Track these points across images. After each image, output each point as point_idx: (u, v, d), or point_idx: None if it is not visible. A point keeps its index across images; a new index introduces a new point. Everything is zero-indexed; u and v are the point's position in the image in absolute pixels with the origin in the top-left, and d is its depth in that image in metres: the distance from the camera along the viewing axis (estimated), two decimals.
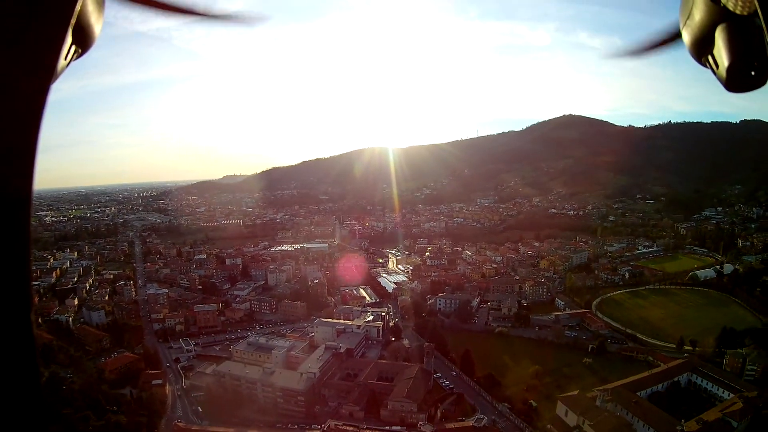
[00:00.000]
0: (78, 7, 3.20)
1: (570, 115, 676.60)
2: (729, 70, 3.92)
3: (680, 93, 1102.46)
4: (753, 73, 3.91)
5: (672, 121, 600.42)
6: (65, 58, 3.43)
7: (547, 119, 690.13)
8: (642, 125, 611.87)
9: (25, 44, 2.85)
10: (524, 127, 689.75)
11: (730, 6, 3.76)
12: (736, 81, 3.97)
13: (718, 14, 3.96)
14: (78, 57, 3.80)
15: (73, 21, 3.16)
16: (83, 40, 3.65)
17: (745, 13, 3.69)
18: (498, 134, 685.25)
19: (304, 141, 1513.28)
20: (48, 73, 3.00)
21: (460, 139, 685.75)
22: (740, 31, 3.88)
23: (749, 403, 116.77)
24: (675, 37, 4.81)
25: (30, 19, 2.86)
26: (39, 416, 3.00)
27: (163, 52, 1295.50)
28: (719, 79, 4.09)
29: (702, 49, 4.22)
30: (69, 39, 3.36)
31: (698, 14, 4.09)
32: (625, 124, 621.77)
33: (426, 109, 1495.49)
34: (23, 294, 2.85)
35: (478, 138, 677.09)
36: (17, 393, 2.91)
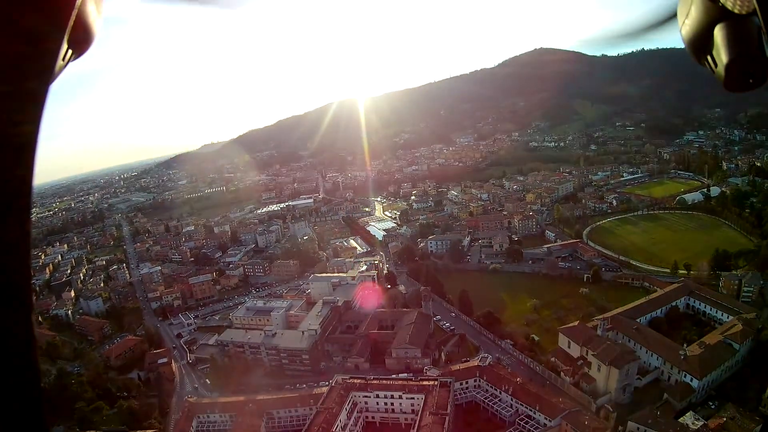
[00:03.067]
0: (76, 8, 3.21)
1: (542, 48, 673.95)
2: (728, 69, 3.89)
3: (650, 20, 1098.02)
4: (752, 72, 3.90)
5: (645, 48, 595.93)
6: (63, 59, 3.42)
7: (518, 54, 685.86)
8: (615, 54, 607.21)
9: (23, 45, 2.87)
10: (497, 64, 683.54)
11: (729, 5, 3.76)
12: (735, 80, 3.93)
13: (716, 13, 3.95)
14: (76, 57, 3.82)
15: (71, 21, 3.17)
16: (81, 41, 3.66)
17: (744, 13, 3.72)
18: (471, 72, 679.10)
19: (278, 100, 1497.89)
20: (46, 74, 3.01)
21: (433, 81, 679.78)
22: (739, 30, 3.88)
23: (749, 325, 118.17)
24: (670, 18, 4.84)
25: (28, 20, 2.87)
26: (39, 417, 3.03)
27: (128, 31, 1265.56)
28: (718, 78, 4.05)
29: (700, 48, 4.22)
30: (67, 40, 3.33)
31: (697, 13, 4.11)
32: (599, 54, 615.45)
33: (398, 53, 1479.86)
34: (23, 294, 2.87)
35: (451, 78, 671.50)
36: (17, 394, 2.94)
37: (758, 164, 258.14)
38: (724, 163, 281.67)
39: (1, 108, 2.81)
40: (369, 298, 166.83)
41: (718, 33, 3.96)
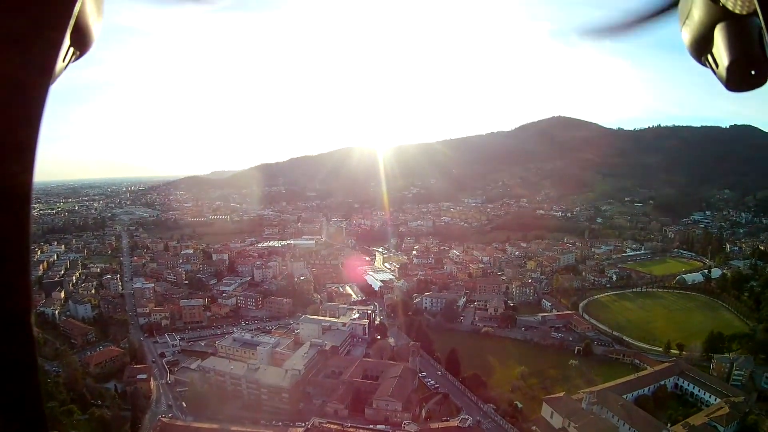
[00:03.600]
0: (77, 9, 3.17)
1: (560, 117, 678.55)
2: (729, 69, 3.84)
3: (671, 97, 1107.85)
4: (753, 72, 3.84)
5: (662, 125, 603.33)
6: (64, 60, 3.37)
7: (537, 120, 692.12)
8: (632, 128, 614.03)
9: (24, 45, 2.84)
10: (514, 128, 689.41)
11: (729, 5, 3.74)
12: (736, 80, 3.88)
13: (717, 13, 3.91)
14: (77, 58, 3.81)
15: (72, 22, 3.13)
16: (82, 42, 3.65)
17: (744, 13, 3.69)
18: (487, 134, 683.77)
19: (294, 137, 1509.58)
20: (47, 75, 2.97)
21: (449, 138, 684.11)
22: (740, 30, 3.83)
23: (736, 408, 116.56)
24: (666, 8, 4.67)
25: (29, 21, 2.86)
26: (39, 417, 3.02)
27: (151, 46, 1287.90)
28: (719, 78, 4.03)
29: (701, 49, 4.18)
30: (68, 40, 3.32)
31: (697, 13, 4.07)
32: (615, 127, 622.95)
33: (416, 107, 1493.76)
34: (23, 294, 2.84)
35: (468, 137, 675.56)
36: (17, 393, 2.92)
37: (762, 248, 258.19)
38: (727, 245, 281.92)
39: (1, 108, 2.76)
40: (357, 346, 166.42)
41: (719, 33, 3.92)
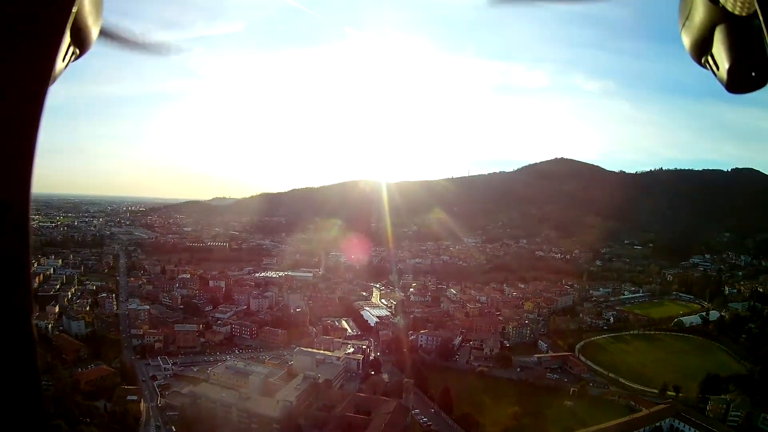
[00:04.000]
0: (76, 9, 3.16)
1: (562, 158, 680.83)
2: (729, 71, 3.88)
3: (671, 140, 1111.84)
4: (753, 73, 3.85)
5: (663, 168, 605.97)
6: (63, 60, 3.40)
7: (539, 161, 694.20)
8: (633, 171, 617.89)
9: (23, 46, 2.81)
10: (516, 168, 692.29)
11: (729, 7, 3.72)
12: (737, 82, 3.91)
13: (717, 15, 3.92)
14: (76, 59, 3.80)
15: (70, 22, 3.10)
16: (81, 42, 3.65)
17: (744, 14, 3.66)
18: (489, 174, 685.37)
19: (296, 169, 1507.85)
20: (46, 75, 2.94)
21: (451, 177, 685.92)
22: (740, 31, 3.84)
23: None
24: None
25: (28, 21, 2.82)
26: (39, 418, 2.97)
27: (161, 67, 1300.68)
28: (719, 80, 4.07)
29: (701, 50, 4.20)
30: (67, 40, 3.34)
31: (697, 15, 4.07)
32: (617, 169, 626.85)
33: (419, 144, 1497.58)
34: (23, 296, 2.83)
35: (470, 177, 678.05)
36: (17, 394, 2.87)
37: (760, 289, 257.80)
38: (726, 288, 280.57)
39: (0, 108, 2.74)
40: (351, 380, 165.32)
41: (719, 34, 3.93)
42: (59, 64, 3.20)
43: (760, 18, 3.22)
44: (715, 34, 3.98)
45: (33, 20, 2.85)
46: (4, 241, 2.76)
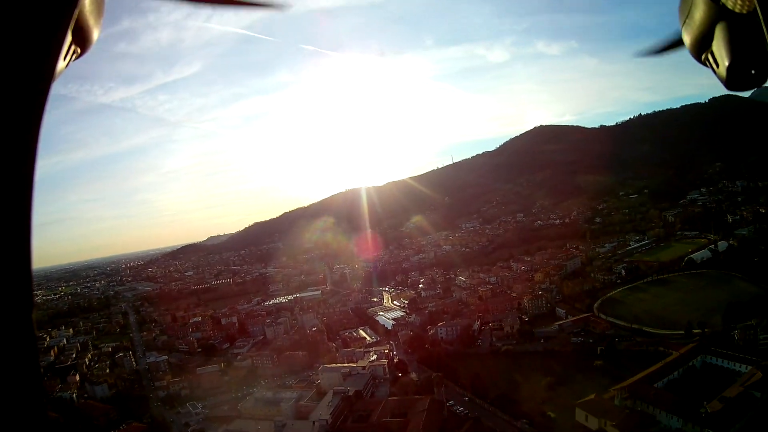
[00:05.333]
0: (78, 8, 3.08)
1: (541, 126, 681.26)
2: (729, 68, 3.92)
3: (644, 84, 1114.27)
4: (753, 71, 3.90)
5: (642, 113, 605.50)
6: (65, 59, 3.41)
7: (518, 134, 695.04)
8: (613, 123, 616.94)
9: (25, 45, 2.79)
10: (497, 146, 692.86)
11: (729, 4, 3.71)
12: (737, 79, 3.96)
13: (717, 12, 3.93)
14: (77, 58, 3.82)
15: (72, 22, 3.04)
16: (83, 41, 3.66)
17: (744, 12, 3.64)
18: (473, 157, 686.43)
19: (283, 191, 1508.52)
20: (48, 74, 2.92)
21: (436, 168, 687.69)
22: (740, 29, 3.86)
23: None
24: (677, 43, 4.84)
25: (30, 20, 2.79)
26: (40, 416, 2.88)
27: (129, 122, 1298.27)
28: (719, 77, 4.13)
29: (702, 48, 4.25)
30: (69, 39, 3.34)
31: (697, 13, 4.08)
32: (596, 125, 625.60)
33: (399, 143, 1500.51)
34: (24, 293, 2.78)
35: (454, 164, 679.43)
36: (18, 393, 2.81)
37: (762, 211, 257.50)
38: (729, 216, 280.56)
39: (1, 107, 2.71)
40: (380, 387, 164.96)
41: (719, 32, 3.96)
42: (60, 63, 3.14)
43: (760, 16, 3.20)
44: (715, 32, 4.00)
45: (36, 19, 2.84)
46: (6, 239, 2.76)
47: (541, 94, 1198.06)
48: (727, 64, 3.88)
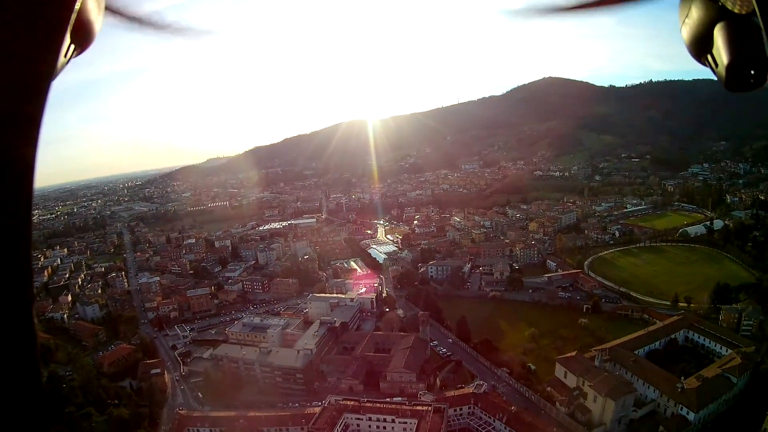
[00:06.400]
0: (78, 5, 3.24)
1: (551, 77, 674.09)
2: (728, 69, 3.91)
3: (659, 52, 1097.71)
4: (752, 72, 3.90)
5: (653, 80, 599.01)
6: (65, 56, 3.45)
7: (528, 82, 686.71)
8: (623, 84, 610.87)
9: (25, 42, 2.87)
10: (505, 92, 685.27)
11: (729, 5, 3.81)
12: (736, 80, 3.95)
13: (716, 13, 3.98)
14: (78, 54, 3.86)
15: (73, 18, 3.20)
16: (83, 38, 3.71)
17: (744, 12, 3.76)
18: (479, 100, 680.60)
19: (286, 117, 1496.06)
20: (48, 71, 3.02)
21: (441, 106, 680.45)
22: (739, 29, 3.89)
23: (747, 359, 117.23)
24: None
25: (30, 17, 2.88)
26: (39, 414, 3.00)
27: (136, 41, 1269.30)
28: (719, 77, 4.08)
29: (701, 48, 4.23)
30: (69, 36, 3.36)
31: (697, 13, 4.12)
32: (607, 84, 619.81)
33: (406, 77, 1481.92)
34: (24, 289, 2.86)
35: (459, 105, 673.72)
36: (17, 389, 2.92)
37: (762, 197, 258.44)
38: (727, 197, 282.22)
39: (2, 103, 2.78)
40: (366, 320, 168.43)
41: (719, 33, 3.97)
42: (61, 60, 3.23)
43: (759, 16, 3.35)
44: (714, 32, 4.01)
45: (36, 16, 2.88)
46: (6, 237, 2.80)
47: (554, 46, 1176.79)
48: (726, 64, 3.88)
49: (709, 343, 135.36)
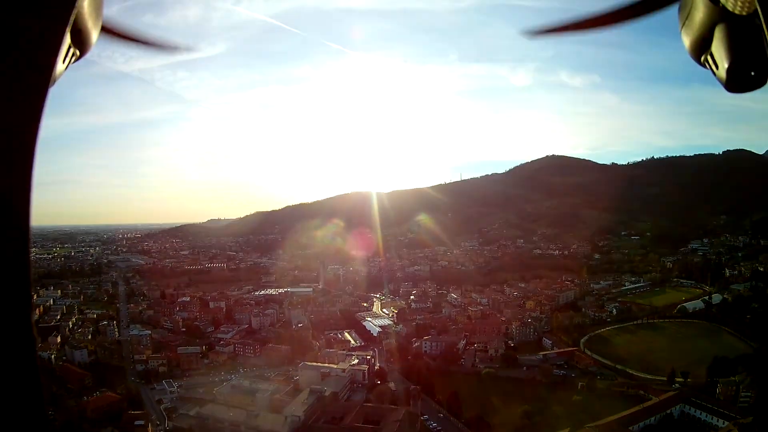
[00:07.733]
0: (76, 11, 3.12)
1: (553, 156, 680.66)
2: (729, 70, 3.87)
3: (661, 128, 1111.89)
4: (753, 73, 3.84)
5: (654, 157, 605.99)
6: (63, 62, 3.44)
7: (529, 160, 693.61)
8: (625, 162, 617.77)
9: (23, 48, 2.81)
10: (507, 169, 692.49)
11: (729, 6, 3.66)
12: (736, 81, 3.90)
13: (717, 14, 3.89)
14: (76, 60, 3.83)
15: (71, 24, 3.06)
16: (81, 44, 3.68)
17: (744, 13, 3.60)
18: (481, 177, 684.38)
19: (289, 185, 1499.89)
20: (47, 77, 2.93)
21: (443, 182, 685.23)
22: (739, 31, 3.82)
23: (745, 430, 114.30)
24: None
25: (28, 23, 2.81)
26: (39, 416, 2.92)
27: (146, 94, 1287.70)
28: (719, 79, 4.05)
29: (701, 50, 4.18)
30: (67, 42, 3.39)
31: (697, 14, 4.04)
32: (608, 162, 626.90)
33: (409, 152, 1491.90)
34: (23, 293, 2.79)
35: (462, 181, 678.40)
36: (17, 393, 2.85)
37: (761, 269, 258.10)
38: (726, 270, 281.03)
39: (0, 110, 2.74)
40: (357, 391, 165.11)
41: (719, 34, 3.91)
42: (60, 66, 3.22)
43: (761, 17, 3.14)
44: (714, 34, 3.95)
45: (34, 22, 2.84)
46: (5, 241, 2.76)
47: (558, 124, 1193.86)
48: (726, 65, 3.83)
49: (706, 416, 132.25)
